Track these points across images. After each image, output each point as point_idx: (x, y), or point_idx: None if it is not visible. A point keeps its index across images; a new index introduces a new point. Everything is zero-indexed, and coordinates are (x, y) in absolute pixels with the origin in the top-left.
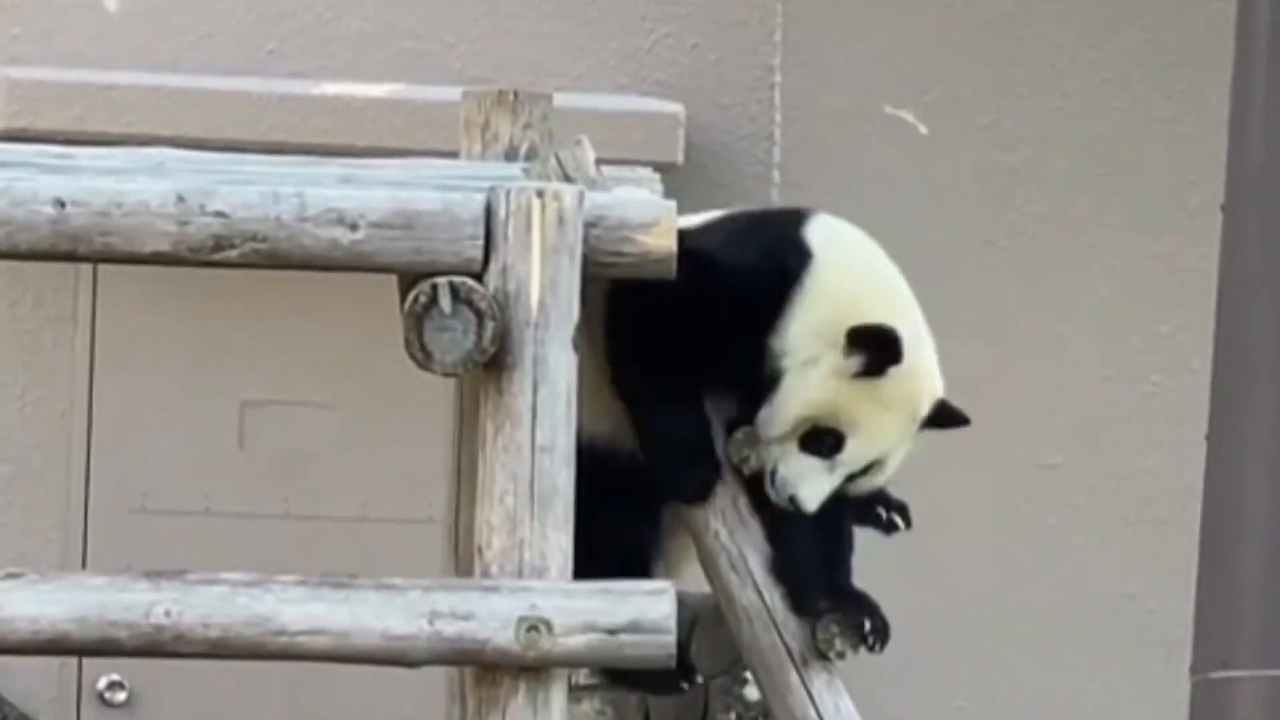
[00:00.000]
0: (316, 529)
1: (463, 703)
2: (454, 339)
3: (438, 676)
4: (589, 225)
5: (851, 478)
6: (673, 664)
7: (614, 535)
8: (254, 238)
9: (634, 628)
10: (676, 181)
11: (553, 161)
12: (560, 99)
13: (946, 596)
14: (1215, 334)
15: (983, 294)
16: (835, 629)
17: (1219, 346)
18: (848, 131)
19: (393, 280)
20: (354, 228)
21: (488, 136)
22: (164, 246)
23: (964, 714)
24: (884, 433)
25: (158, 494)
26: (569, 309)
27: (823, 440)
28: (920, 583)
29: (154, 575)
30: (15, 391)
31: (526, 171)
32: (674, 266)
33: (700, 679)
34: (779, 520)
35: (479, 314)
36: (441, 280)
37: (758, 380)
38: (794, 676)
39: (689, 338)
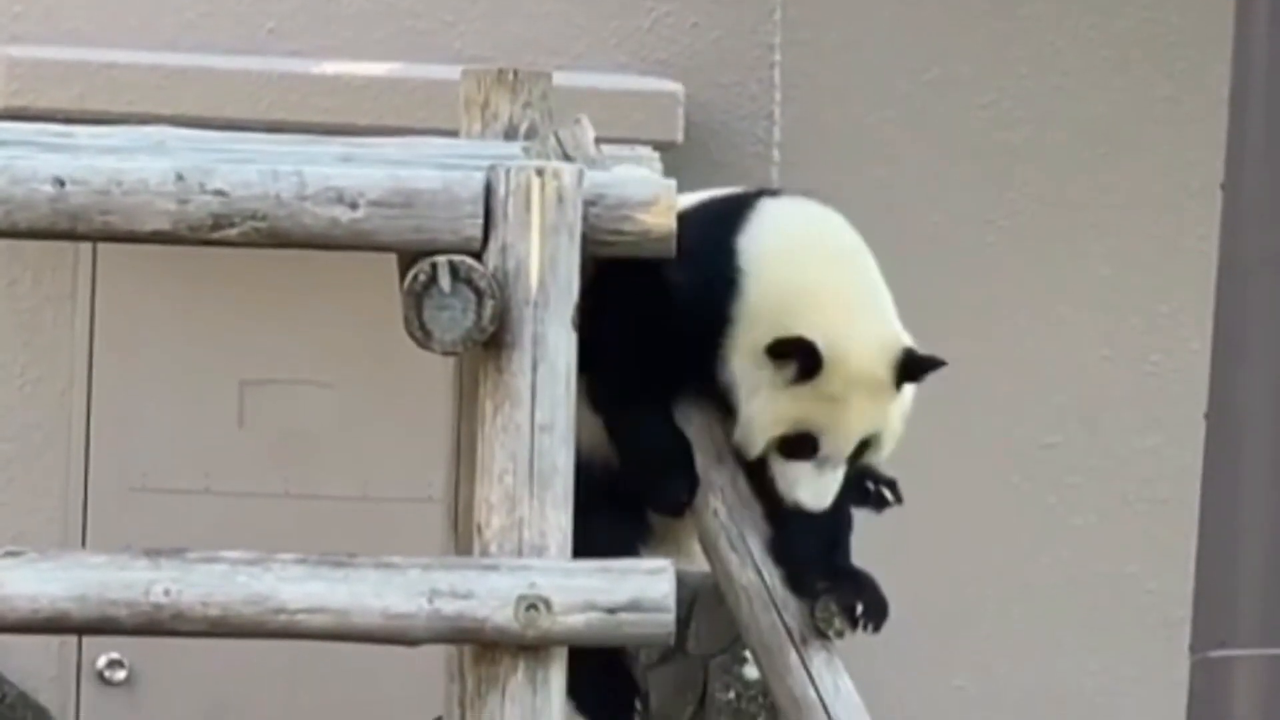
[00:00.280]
0: (316, 508)
1: (462, 681)
2: (453, 318)
3: (437, 655)
4: (588, 204)
5: (853, 458)
6: (671, 642)
7: (601, 538)
8: (253, 216)
9: (634, 606)
10: (676, 160)
11: (552, 140)
12: (560, 78)
13: (946, 576)
14: (1215, 314)
15: (982, 273)
16: (834, 608)
17: (1219, 326)
18: (848, 110)
19: (392, 259)
20: (353, 206)
21: (487, 115)
22: (163, 225)
23: (963, 694)
24: (851, 421)
25: (157, 473)
26: (568, 288)
27: (798, 446)
28: (920, 563)
29: (153, 554)
30: (15, 370)
31: (526, 150)
32: (674, 245)
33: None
34: (778, 501)
35: (478, 293)
36: (441, 259)
37: (724, 396)
38: (793, 656)
39: (647, 359)
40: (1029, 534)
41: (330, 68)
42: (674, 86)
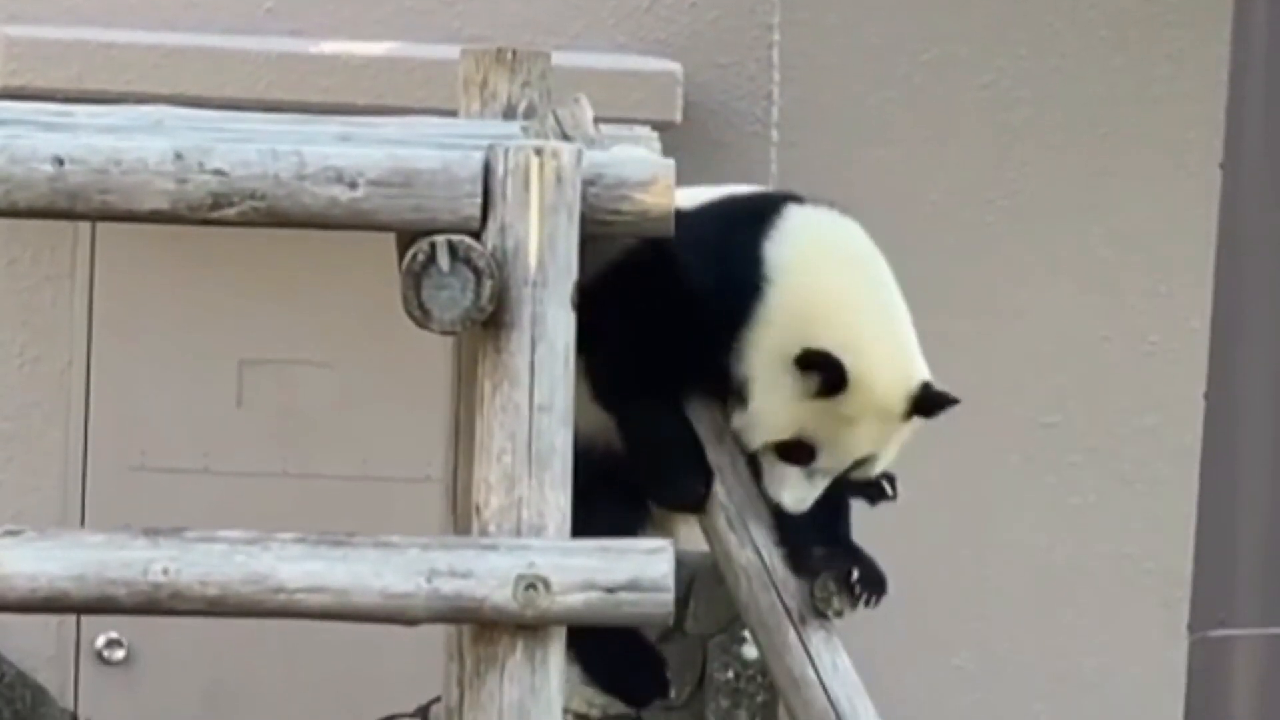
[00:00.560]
0: (315, 487)
1: (460, 661)
2: (452, 297)
3: (436, 635)
4: (587, 183)
5: (843, 472)
6: (670, 622)
7: (602, 522)
8: (252, 196)
9: (633, 586)
10: (675, 140)
11: (551, 120)
12: (559, 57)
13: (945, 556)
14: (1214, 293)
15: (981, 254)
16: (833, 587)
17: (1218, 306)
18: (846, 91)
19: (391, 238)
20: (352, 186)
21: (486, 95)
22: (162, 204)
23: (962, 673)
24: (855, 441)
25: (156, 452)
26: (567, 267)
27: (796, 452)
28: (919, 542)
29: (152, 533)
30: (14, 350)
31: (525, 130)
32: (671, 225)
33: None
34: None
35: (477, 272)
36: (440, 238)
37: (732, 389)
38: (792, 635)
39: (660, 354)
40: (1028, 513)
41: (329, 47)
42: (673, 66)
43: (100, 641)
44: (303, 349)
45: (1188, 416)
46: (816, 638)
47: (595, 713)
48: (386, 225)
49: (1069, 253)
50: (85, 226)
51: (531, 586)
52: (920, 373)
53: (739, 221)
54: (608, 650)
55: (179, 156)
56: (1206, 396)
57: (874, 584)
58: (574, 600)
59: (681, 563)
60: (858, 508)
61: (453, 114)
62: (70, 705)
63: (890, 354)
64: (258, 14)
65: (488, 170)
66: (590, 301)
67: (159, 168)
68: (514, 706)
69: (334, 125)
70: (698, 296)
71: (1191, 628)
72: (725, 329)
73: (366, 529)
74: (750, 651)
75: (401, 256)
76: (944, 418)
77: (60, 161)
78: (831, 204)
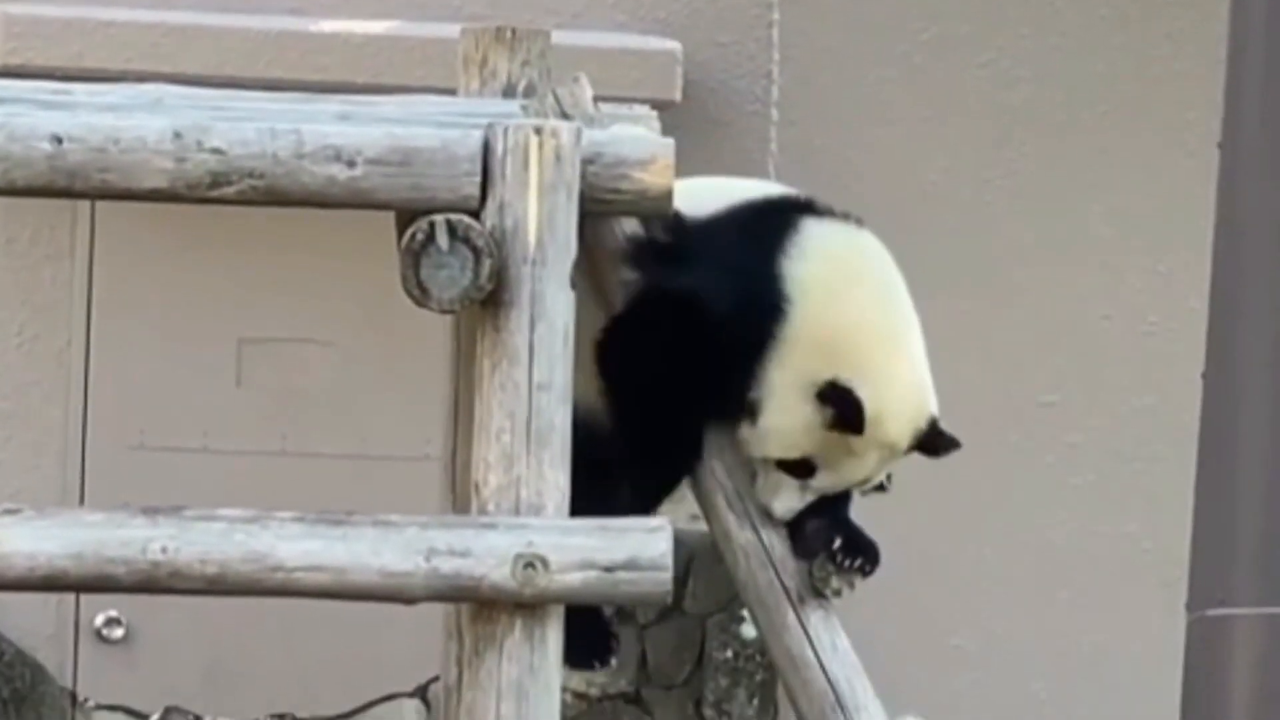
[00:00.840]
0: (314, 466)
1: (459, 640)
2: (451, 276)
3: (434, 614)
4: (586, 162)
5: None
6: (669, 601)
7: (601, 501)
8: (251, 174)
9: (631, 565)
10: (674, 119)
11: (550, 99)
12: (558, 36)
13: (943, 535)
14: (1212, 273)
15: (980, 233)
16: (831, 567)
17: (1216, 285)
18: (846, 70)
19: (390, 217)
20: (351, 164)
21: (486, 73)
22: (161, 183)
23: (961, 652)
24: (856, 470)
25: (155, 431)
26: (566, 246)
27: (795, 467)
28: (917, 521)
29: (151, 512)
30: (13, 329)
31: (524, 109)
32: (670, 204)
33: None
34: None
35: (476, 251)
36: (439, 217)
37: (744, 404)
38: (791, 615)
39: (684, 388)
40: (1027, 493)
41: (328, 26)
42: (672, 45)
43: (99, 620)
44: (302, 328)
45: (1186, 396)
46: (815, 617)
47: (594, 691)
48: (385, 204)
49: (1068, 232)
50: (84, 205)
51: (530, 565)
52: (929, 408)
53: (755, 237)
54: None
55: (178, 135)
56: (1205, 376)
57: (858, 551)
58: (572, 579)
59: (680, 542)
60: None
61: (452, 93)
62: (69, 683)
63: (905, 391)
64: None
65: (487, 149)
66: (613, 348)
67: (158, 146)
68: (512, 685)
69: (333, 104)
70: (717, 320)
71: (1190, 607)
72: (744, 350)
73: (365, 508)
74: (749, 631)
75: (400, 235)
76: (943, 398)
77: (59, 140)
78: (846, 215)
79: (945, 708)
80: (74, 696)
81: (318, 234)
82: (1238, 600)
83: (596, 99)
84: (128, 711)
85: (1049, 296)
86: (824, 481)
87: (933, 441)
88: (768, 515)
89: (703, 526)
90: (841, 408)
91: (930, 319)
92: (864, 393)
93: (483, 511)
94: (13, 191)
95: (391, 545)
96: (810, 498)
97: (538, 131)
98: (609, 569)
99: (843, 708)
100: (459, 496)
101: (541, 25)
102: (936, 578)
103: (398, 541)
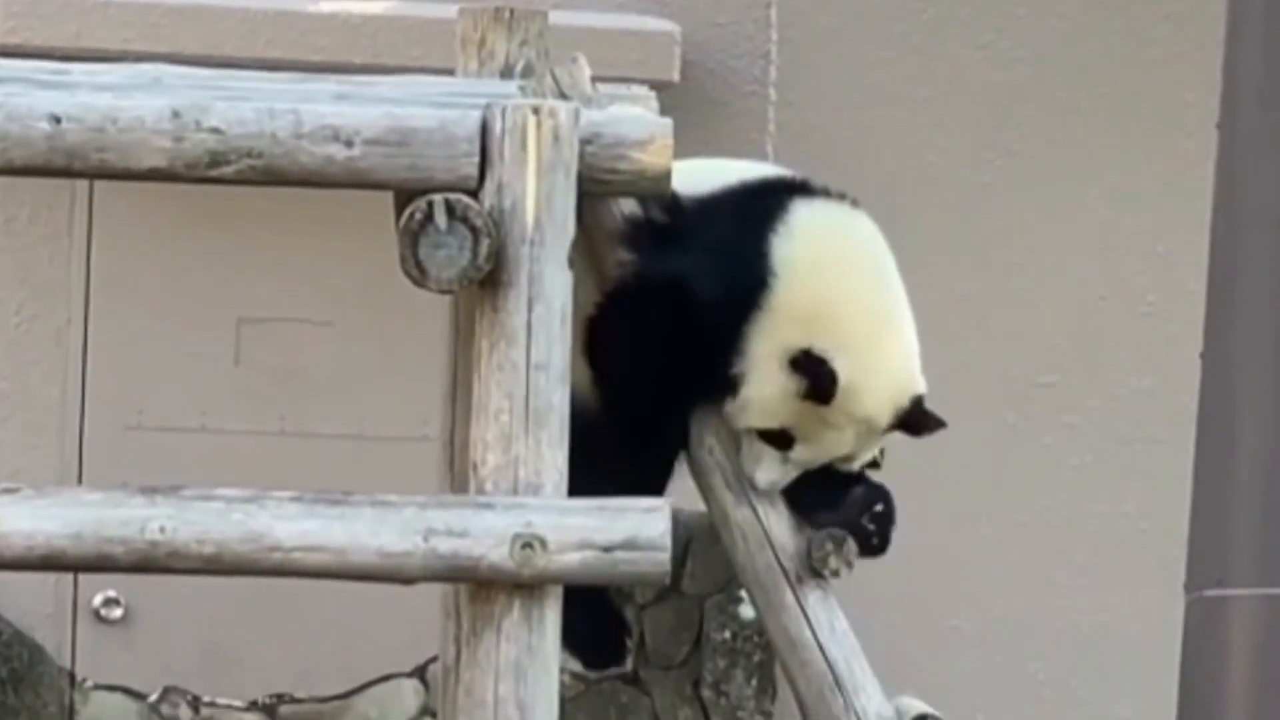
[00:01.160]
0: (312, 446)
1: (457, 620)
2: (449, 256)
3: (432, 594)
4: (584, 142)
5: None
6: (667, 581)
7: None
8: (249, 154)
9: (629, 545)
10: (672, 100)
11: (549, 79)
12: (556, 16)
13: (941, 516)
14: (1210, 254)
15: (979, 214)
16: (829, 547)
17: (1214, 266)
18: (843, 51)
19: (388, 197)
20: (349, 144)
21: (484, 54)
22: (159, 163)
23: (959, 633)
24: (834, 444)
25: (154, 410)
26: (564, 226)
27: (776, 438)
28: (915, 502)
29: (149, 491)
30: (11, 308)
31: (522, 89)
32: (669, 184)
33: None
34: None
35: (474, 231)
36: (437, 197)
37: (729, 377)
38: (789, 595)
39: (671, 367)
40: (1025, 473)
41: (327, 6)
42: (670, 26)
43: (98, 600)
44: (300, 308)
45: (1185, 377)
46: (813, 598)
47: (591, 673)
48: (383, 184)
49: (1066, 213)
50: (83, 185)
51: (528, 545)
52: (915, 387)
53: (747, 216)
54: (572, 610)
55: (176, 115)
56: (1203, 357)
57: (887, 525)
58: (570, 559)
59: (678, 522)
60: None
61: (450, 73)
62: (67, 663)
63: (885, 366)
64: None
65: (485, 129)
66: (601, 325)
67: (156, 126)
68: (511, 665)
69: (331, 84)
70: (703, 300)
71: (1188, 588)
72: (730, 326)
73: (363, 488)
74: (747, 611)
75: (399, 215)
76: (942, 379)
77: (57, 119)
78: (842, 195)
79: (943, 688)
80: (72, 676)
81: (316, 214)
82: (1236, 581)
83: (595, 79)
84: (126, 691)
85: (1047, 277)
86: (803, 454)
87: (915, 420)
88: (768, 496)
89: (701, 506)
90: (813, 377)
91: (928, 299)
92: (840, 364)
93: (481, 491)
94: (11, 171)
95: (389, 525)
96: (793, 471)
97: (536, 112)
98: (607, 549)
99: (841, 688)
100: (457, 476)
101: (539, 6)
102: (934, 559)
103: (396, 521)
